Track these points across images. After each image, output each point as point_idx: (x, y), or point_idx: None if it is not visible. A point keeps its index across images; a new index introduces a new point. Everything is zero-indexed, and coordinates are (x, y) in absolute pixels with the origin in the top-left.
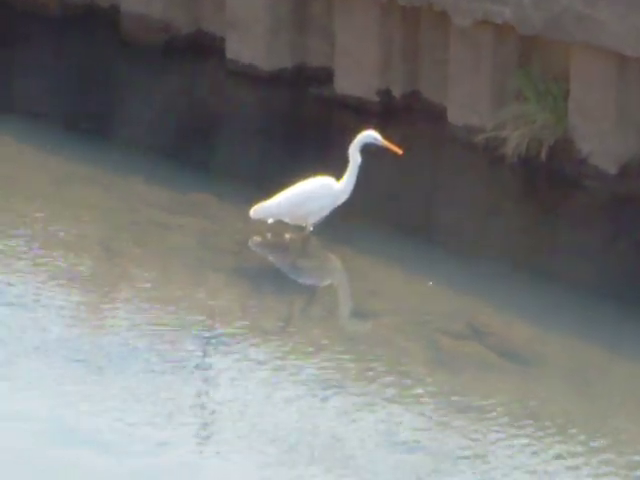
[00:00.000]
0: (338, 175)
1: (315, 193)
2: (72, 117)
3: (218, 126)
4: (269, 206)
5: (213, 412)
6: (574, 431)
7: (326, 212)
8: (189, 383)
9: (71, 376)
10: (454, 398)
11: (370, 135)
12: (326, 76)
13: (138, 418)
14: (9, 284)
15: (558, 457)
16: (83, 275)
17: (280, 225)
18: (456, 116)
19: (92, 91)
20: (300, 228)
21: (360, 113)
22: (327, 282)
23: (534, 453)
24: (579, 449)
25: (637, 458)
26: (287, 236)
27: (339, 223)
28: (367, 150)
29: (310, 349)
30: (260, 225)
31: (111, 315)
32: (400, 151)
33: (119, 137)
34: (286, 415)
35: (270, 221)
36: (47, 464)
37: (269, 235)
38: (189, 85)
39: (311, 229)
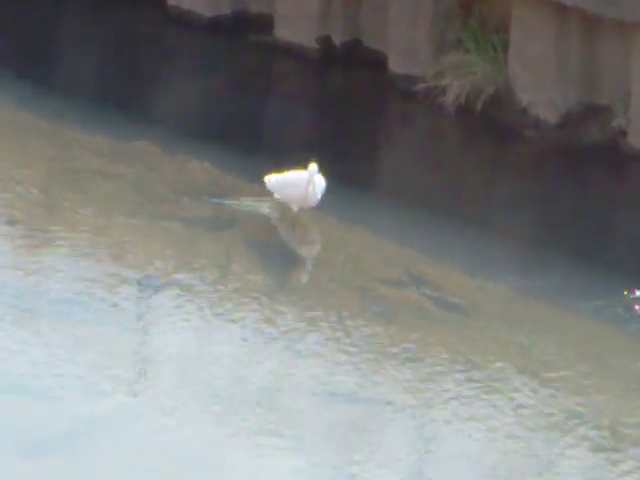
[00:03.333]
0: (276, 123)
1: (294, 183)
2: (10, 63)
3: (158, 73)
4: (268, 180)
5: (150, 360)
6: (509, 378)
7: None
8: (125, 331)
9: (7, 322)
10: (390, 347)
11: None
12: (266, 23)
13: (74, 366)
14: None
15: (493, 404)
16: (21, 221)
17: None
18: (396, 64)
19: (22, 36)
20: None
21: (300, 60)
22: (264, 231)
23: (469, 401)
24: (515, 396)
25: (573, 406)
26: (234, 187)
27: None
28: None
29: (246, 298)
30: (198, 175)
31: (49, 261)
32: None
33: (58, 84)
34: (222, 364)
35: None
36: None
37: (209, 186)
38: (129, 32)
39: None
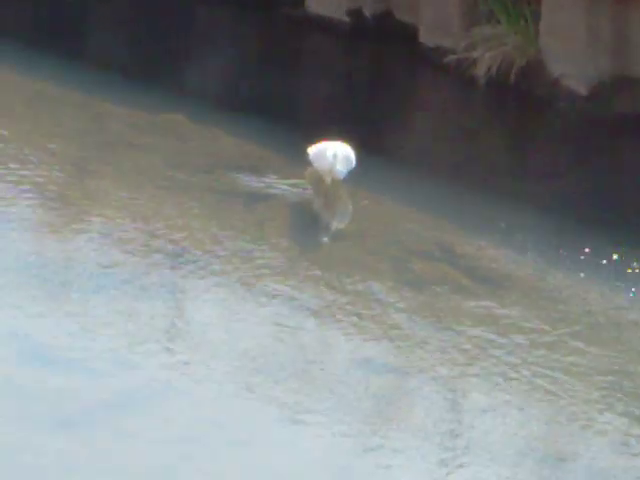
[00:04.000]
0: (308, 96)
1: (323, 154)
2: (42, 37)
3: (190, 48)
4: (310, 151)
5: (183, 333)
6: (543, 352)
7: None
8: (158, 304)
9: (41, 295)
10: (424, 319)
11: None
12: None
13: (107, 338)
14: None
15: (527, 377)
16: (53, 194)
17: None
18: (427, 37)
19: (58, 11)
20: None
21: (331, 33)
22: (298, 205)
23: (503, 373)
24: (548, 370)
25: (600, 377)
26: (265, 158)
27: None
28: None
29: (278, 270)
30: (230, 147)
31: (81, 234)
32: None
33: (90, 57)
34: (255, 336)
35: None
36: (14, 383)
37: (242, 156)
38: (155, 5)
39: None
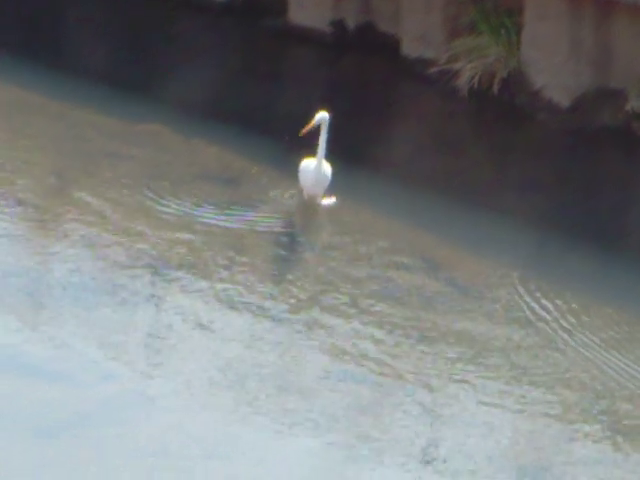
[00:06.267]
0: (290, 106)
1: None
2: (19, 48)
3: (171, 58)
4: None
5: (162, 343)
6: (521, 362)
7: (313, 190)
8: (138, 315)
9: (21, 305)
10: (404, 329)
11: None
12: (279, 7)
13: (87, 349)
14: None
15: (504, 388)
16: (32, 203)
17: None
18: (410, 48)
19: (39, 20)
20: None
21: (313, 45)
22: (278, 217)
23: (482, 383)
24: (525, 379)
25: (585, 389)
26: (245, 169)
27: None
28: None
29: (258, 282)
30: (211, 158)
31: (61, 243)
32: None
33: (69, 67)
34: (234, 345)
35: None
36: None
37: (221, 168)
38: (139, 17)
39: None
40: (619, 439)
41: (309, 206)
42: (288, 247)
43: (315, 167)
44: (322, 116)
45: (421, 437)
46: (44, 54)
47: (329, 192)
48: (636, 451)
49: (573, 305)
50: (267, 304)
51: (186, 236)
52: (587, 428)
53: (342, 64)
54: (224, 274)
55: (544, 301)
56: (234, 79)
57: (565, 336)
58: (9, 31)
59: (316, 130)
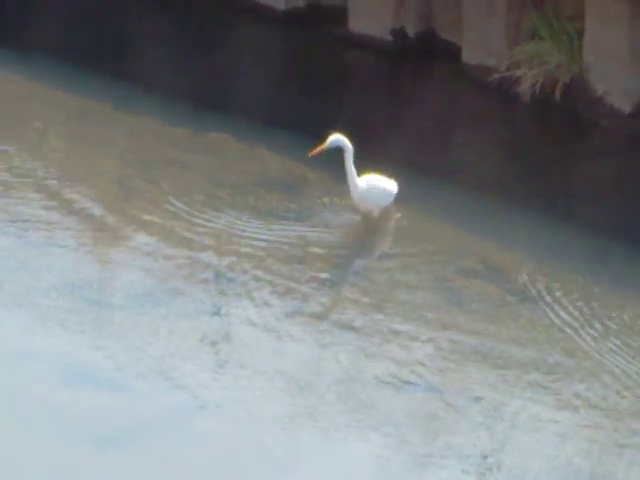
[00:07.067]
0: (351, 114)
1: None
2: (84, 56)
3: (234, 66)
4: None
5: (224, 353)
6: (584, 373)
7: (362, 207)
8: (201, 324)
9: (84, 315)
10: (465, 337)
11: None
12: (340, 15)
13: (149, 358)
14: (23, 220)
15: (567, 400)
16: (95, 213)
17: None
18: (470, 56)
19: (103, 31)
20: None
21: (374, 52)
22: (340, 223)
23: (546, 395)
24: (588, 391)
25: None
26: (306, 177)
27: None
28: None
29: (320, 290)
30: (272, 165)
31: (124, 254)
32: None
33: (131, 76)
34: (297, 354)
35: None
36: (56, 402)
37: (283, 176)
38: (202, 25)
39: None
40: None
41: (365, 218)
42: (351, 255)
43: (352, 188)
44: (336, 138)
45: (481, 447)
46: (108, 62)
47: (394, 207)
48: None
49: (632, 315)
50: (330, 311)
51: (249, 244)
52: None
53: (403, 72)
54: (285, 284)
55: (609, 309)
56: (294, 87)
57: (625, 349)
58: (73, 39)
59: (374, 135)
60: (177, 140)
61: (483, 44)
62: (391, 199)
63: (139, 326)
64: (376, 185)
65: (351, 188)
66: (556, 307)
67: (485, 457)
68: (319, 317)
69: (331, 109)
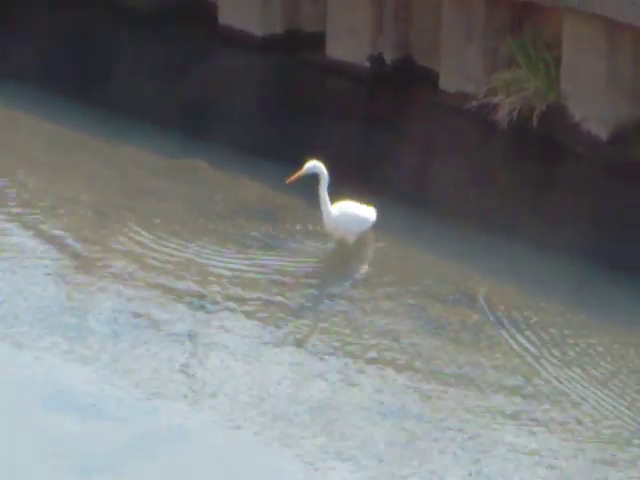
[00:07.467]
0: (329, 141)
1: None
2: (63, 83)
3: (211, 93)
4: None
5: (202, 379)
6: (563, 400)
7: (336, 234)
8: (179, 349)
9: (61, 341)
10: (444, 365)
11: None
12: (318, 42)
13: (128, 383)
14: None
15: (545, 429)
16: (74, 240)
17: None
18: (448, 82)
19: (82, 57)
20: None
21: (351, 79)
22: (319, 250)
23: (529, 420)
24: (568, 419)
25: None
26: (284, 204)
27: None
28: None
29: (299, 317)
30: (251, 194)
31: (101, 281)
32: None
33: (110, 103)
34: (275, 381)
35: None
36: (36, 428)
37: (262, 204)
38: (179, 52)
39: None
40: None
41: (343, 245)
42: (329, 281)
43: (325, 214)
44: (312, 165)
45: (464, 472)
46: (87, 90)
47: (372, 234)
48: None
49: (611, 342)
50: (308, 339)
51: (228, 272)
52: None
53: (380, 99)
54: (262, 311)
55: (582, 335)
56: (273, 114)
57: (606, 374)
58: (51, 65)
59: (350, 162)
60: (155, 168)
61: (461, 71)
62: (367, 225)
63: (116, 352)
64: (349, 212)
65: (324, 215)
66: (533, 336)
67: None
68: (296, 345)
69: (309, 136)
